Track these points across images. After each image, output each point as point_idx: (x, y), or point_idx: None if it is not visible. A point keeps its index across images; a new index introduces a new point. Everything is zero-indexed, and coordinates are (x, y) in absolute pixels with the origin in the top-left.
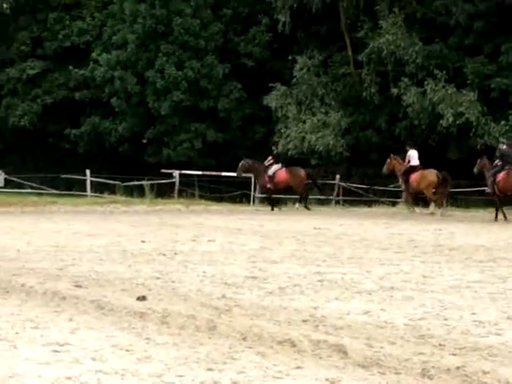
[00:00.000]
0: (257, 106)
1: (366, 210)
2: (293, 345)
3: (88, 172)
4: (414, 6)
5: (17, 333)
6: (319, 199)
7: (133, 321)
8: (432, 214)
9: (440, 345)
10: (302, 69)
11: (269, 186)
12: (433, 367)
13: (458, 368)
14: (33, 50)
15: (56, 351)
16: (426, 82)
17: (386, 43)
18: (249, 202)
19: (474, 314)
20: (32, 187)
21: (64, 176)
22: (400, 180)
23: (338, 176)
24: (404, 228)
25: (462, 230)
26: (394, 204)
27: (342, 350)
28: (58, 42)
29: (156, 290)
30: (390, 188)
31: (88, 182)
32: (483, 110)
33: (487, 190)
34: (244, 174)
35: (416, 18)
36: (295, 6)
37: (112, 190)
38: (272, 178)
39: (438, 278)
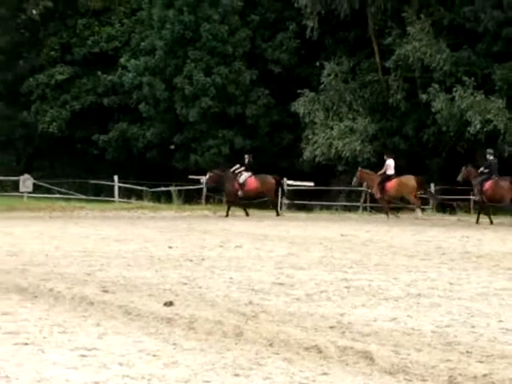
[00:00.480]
0: (284, 112)
1: (393, 216)
2: (319, 351)
3: (116, 178)
4: (442, 12)
5: (45, 337)
6: (346, 206)
7: (160, 326)
8: (418, 218)
9: (467, 352)
10: (329, 75)
11: (240, 193)
12: (460, 374)
13: (484, 375)
14: (61, 55)
15: (83, 356)
16: (454, 89)
17: (413, 50)
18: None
19: (501, 321)
20: (60, 192)
21: (92, 181)
22: (374, 189)
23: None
24: (431, 235)
25: (489, 237)
26: (421, 211)
27: (368, 357)
28: (86, 48)
29: (183, 295)
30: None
31: (116, 188)
32: (511, 116)
33: (475, 197)
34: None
35: (444, 24)
36: (323, 12)
37: (139, 195)
38: (242, 185)
39: (465, 285)
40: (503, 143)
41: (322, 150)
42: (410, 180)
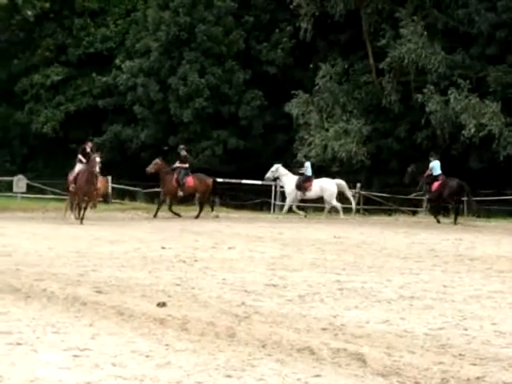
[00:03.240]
0: (278, 113)
1: (386, 218)
2: (312, 353)
3: (109, 178)
4: (436, 14)
5: (38, 337)
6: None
7: (153, 327)
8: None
9: (460, 355)
10: (324, 76)
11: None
12: (452, 377)
13: (477, 378)
14: (56, 56)
15: (76, 356)
16: (449, 91)
17: (407, 52)
18: (269, 209)
19: (494, 324)
20: (54, 193)
21: None
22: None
23: (358, 184)
24: (424, 237)
25: (482, 240)
26: (414, 213)
27: (361, 359)
28: (82, 49)
29: (176, 296)
30: (411, 197)
31: (109, 189)
32: (506, 120)
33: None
34: None
35: (438, 27)
36: (317, 13)
37: (133, 196)
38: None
39: (459, 288)
40: (498, 147)
41: (316, 152)
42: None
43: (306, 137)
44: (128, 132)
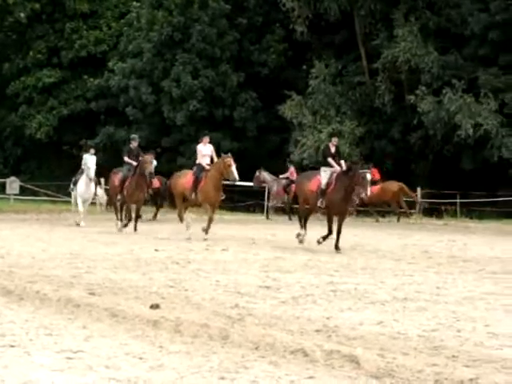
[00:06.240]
0: (271, 115)
1: (379, 220)
2: (305, 354)
3: (102, 180)
4: (429, 15)
5: (31, 339)
6: None
7: (146, 329)
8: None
9: (453, 356)
10: (317, 77)
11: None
12: (446, 379)
13: (471, 380)
14: (48, 59)
15: (69, 358)
16: (444, 91)
17: (402, 51)
18: (262, 211)
19: (487, 325)
20: (47, 195)
21: None
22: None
23: None
24: (418, 239)
25: (475, 242)
26: (409, 215)
27: (354, 361)
28: (74, 52)
29: (169, 298)
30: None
31: (102, 191)
32: (502, 121)
33: None
34: None
35: (431, 28)
36: (310, 15)
37: None
38: None
39: (452, 290)
40: (492, 149)
41: (309, 153)
42: None
43: (299, 138)
44: (121, 134)
